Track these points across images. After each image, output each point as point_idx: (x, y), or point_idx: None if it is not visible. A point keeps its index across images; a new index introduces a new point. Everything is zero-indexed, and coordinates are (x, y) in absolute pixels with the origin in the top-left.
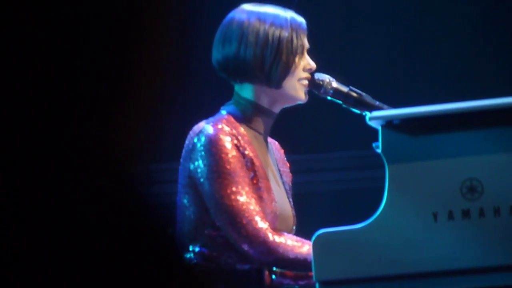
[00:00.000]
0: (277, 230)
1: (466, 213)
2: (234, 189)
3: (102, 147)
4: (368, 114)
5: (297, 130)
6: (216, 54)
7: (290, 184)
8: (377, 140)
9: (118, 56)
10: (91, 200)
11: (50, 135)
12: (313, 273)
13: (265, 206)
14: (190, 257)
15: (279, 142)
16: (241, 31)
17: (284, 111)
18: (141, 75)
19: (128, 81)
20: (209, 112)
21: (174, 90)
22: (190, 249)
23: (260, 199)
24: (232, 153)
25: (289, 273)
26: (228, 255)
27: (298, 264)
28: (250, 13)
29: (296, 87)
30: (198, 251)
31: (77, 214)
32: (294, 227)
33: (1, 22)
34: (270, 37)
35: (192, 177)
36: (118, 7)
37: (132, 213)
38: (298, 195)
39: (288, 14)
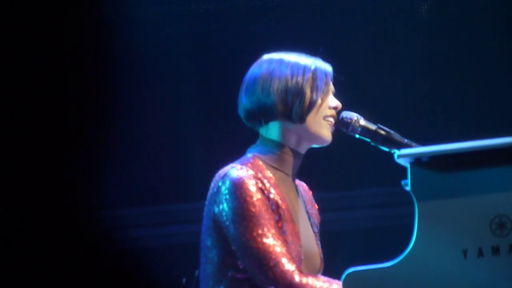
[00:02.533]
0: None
1: (495, 250)
2: (260, 231)
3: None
4: (396, 152)
5: (326, 168)
6: (242, 103)
7: (319, 226)
8: (405, 177)
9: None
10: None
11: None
12: None
13: (290, 250)
14: None
15: (308, 180)
16: (264, 77)
17: (313, 148)
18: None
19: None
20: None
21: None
22: None
23: (284, 242)
24: (256, 196)
25: None
26: None
27: None
28: (272, 61)
29: (321, 124)
30: None
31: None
32: (320, 270)
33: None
34: (292, 79)
35: (216, 220)
36: (143, 46)
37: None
38: (327, 233)
39: (312, 59)
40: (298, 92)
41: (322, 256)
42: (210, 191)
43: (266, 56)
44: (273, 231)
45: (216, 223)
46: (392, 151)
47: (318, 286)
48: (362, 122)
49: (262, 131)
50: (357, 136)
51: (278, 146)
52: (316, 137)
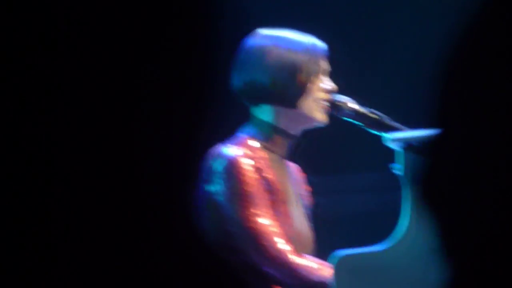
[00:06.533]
0: None
1: None
2: (256, 211)
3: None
4: (388, 136)
5: (319, 151)
6: (234, 80)
7: (310, 208)
8: (392, 162)
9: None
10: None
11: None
12: None
13: (284, 231)
14: None
15: (301, 163)
16: (258, 56)
17: (307, 132)
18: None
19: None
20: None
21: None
22: None
23: (279, 223)
24: (252, 175)
25: None
26: (246, 278)
27: (320, 287)
28: (266, 37)
29: (313, 108)
30: None
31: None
32: (312, 252)
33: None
34: (286, 60)
35: (211, 200)
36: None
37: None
38: (319, 217)
39: (307, 38)
40: (291, 74)
41: (314, 238)
42: (203, 171)
43: (259, 32)
44: (269, 211)
45: (211, 202)
46: (383, 135)
47: (313, 267)
48: (355, 106)
49: (253, 111)
50: (349, 119)
51: (269, 128)
52: (308, 120)
